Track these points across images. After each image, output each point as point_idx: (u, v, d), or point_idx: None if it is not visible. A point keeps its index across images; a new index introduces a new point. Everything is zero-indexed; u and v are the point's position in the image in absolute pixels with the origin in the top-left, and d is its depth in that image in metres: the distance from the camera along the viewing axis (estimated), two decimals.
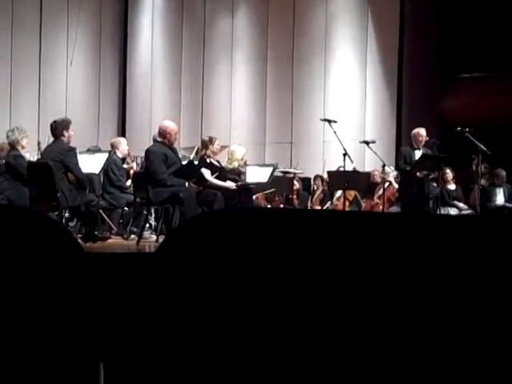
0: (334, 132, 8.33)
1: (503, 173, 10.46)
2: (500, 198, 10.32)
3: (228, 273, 1.76)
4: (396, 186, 10.16)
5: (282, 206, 10.74)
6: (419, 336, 1.51)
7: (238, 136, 13.07)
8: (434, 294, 1.51)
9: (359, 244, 1.57)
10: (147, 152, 7.72)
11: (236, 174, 8.36)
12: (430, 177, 9.58)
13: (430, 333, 1.50)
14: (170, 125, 7.80)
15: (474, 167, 10.05)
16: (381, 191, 9.73)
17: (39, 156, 8.93)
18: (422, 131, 9.10)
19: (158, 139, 7.73)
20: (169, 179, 7.35)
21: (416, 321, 1.52)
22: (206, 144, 8.30)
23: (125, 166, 9.12)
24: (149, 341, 2.05)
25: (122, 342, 2.10)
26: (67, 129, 7.42)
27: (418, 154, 8.97)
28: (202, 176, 7.69)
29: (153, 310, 2.05)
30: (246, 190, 8.16)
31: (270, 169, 8.86)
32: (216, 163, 8.24)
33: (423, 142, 9.06)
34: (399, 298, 1.52)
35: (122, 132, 14.86)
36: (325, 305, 1.58)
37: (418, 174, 8.84)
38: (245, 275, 1.74)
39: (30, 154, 9.29)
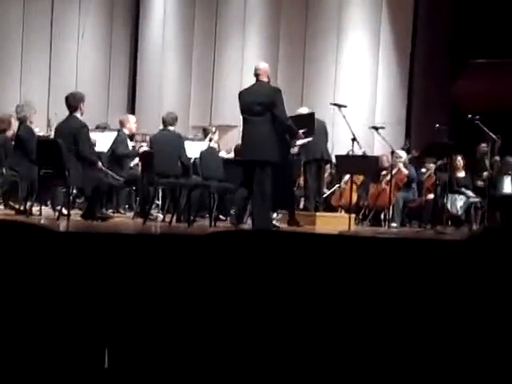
0: (344, 117, 8.28)
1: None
2: (507, 187, 10.23)
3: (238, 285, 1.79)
4: (405, 171, 10.11)
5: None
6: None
7: None
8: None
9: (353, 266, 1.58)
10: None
11: None
12: (439, 163, 9.55)
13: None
14: None
15: (483, 155, 10.01)
16: (388, 177, 9.70)
17: (50, 132, 8.90)
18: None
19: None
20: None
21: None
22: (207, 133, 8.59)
23: (132, 143, 9.11)
24: (151, 328, 2.08)
25: (125, 329, 2.13)
26: (83, 102, 7.35)
27: None
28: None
29: (157, 297, 2.08)
30: None
31: None
32: None
33: None
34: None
35: (132, 108, 14.81)
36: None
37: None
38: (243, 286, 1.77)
39: (40, 129, 9.29)
